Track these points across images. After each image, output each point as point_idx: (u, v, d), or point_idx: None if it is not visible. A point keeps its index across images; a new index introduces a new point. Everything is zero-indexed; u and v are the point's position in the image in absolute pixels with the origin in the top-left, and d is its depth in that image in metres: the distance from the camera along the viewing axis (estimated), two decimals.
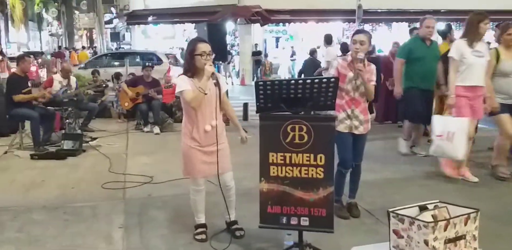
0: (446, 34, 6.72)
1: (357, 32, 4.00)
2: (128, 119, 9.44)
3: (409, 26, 20.38)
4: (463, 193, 4.80)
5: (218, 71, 12.66)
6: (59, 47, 30.89)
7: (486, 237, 3.38)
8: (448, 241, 2.33)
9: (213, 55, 3.47)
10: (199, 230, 3.71)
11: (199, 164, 3.51)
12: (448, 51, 6.08)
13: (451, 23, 8.45)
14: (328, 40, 10.10)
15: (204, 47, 3.40)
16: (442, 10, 19.37)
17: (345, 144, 3.85)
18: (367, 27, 21.10)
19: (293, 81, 2.97)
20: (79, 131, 7.36)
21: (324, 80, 2.96)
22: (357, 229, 3.93)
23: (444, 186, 5.10)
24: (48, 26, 48.13)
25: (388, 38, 19.12)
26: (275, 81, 3.03)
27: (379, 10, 19.17)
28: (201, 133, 3.46)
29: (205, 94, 3.34)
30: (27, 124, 6.96)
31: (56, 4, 40.52)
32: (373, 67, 3.96)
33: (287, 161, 3.06)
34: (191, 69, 3.45)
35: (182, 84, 3.42)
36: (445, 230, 2.31)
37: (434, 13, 19.44)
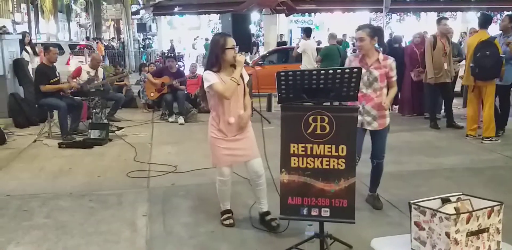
0: (487, 24, 6.55)
1: (357, 28, 3.90)
2: (153, 110, 9.54)
3: (437, 16, 19.99)
4: (489, 186, 4.72)
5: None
6: (87, 38, 31.28)
7: (510, 229, 3.35)
8: (471, 233, 2.30)
9: (237, 47, 3.57)
10: (226, 215, 3.81)
11: (223, 152, 3.59)
12: (488, 38, 6.03)
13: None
14: (307, 33, 10.14)
15: (232, 41, 3.51)
16: (472, 0, 18.92)
17: None
18: (394, 17, 20.79)
19: (315, 72, 2.95)
20: (105, 121, 7.49)
21: (347, 70, 2.93)
22: (379, 221, 3.90)
23: (471, 178, 5.02)
24: (76, 17, 48.79)
25: (416, 28, 18.78)
26: (297, 71, 3.02)
27: (407, 0, 18.82)
28: (227, 124, 3.56)
29: (238, 84, 3.45)
30: (56, 114, 7.10)
31: None
32: (390, 61, 3.86)
33: (308, 152, 3.05)
34: (220, 63, 3.50)
35: (210, 78, 3.46)
36: (467, 222, 2.28)
37: (464, 3, 19.14)
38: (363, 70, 3.77)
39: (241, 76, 3.54)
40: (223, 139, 3.60)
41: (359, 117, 3.85)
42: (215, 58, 3.51)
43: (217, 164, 3.69)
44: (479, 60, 6.15)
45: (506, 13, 17.83)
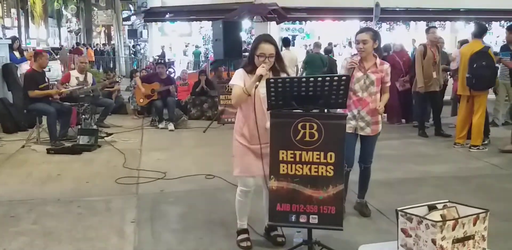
0: (482, 34, 6.64)
1: (359, 31, 3.90)
2: (143, 116, 9.53)
3: (427, 25, 20.19)
4: (476, 194, 4.77)
5: (234, 69, 12.72)
6: (77, 43, 31.20)
7: (498, 237, 3.39)
8: (456, 241, 2.33)
9: (272, 60, 3.27)
10: (243, 236, 3.54)
11: (247, 161, 3.35)
12: (482, 48, 6.09)
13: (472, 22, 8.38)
14: (286, 43, 10.35)
15: (266, 48, 3.23)
16: (461, 9, 19.14)
17: (347, 143, 3.70)
18: (384, 26, 20.96)
19: (304, 79, 2.98)
20: (95, 127, 7.46)
21: (336, 78, 2.96)
22: (367, 228, 3.93)
23: (458, 186, 5.07)
24: (67, 22, 48.65)
25: (406, 37, 18.94)
26: (287, 78, 3.04)
27: (397, 9, 18.99)
28: (251, 131, 3.32)
29: (249, 95, 3.22)
30: (44, 119, 7.06)
31: (75, 1, 40.92)
32: (386, 66, 3.91)
33: (297, 159, 3.06)
34: (250, 65, 3.34)
35: (236, 78, 3.34)
36: (453, 229, 2.31)
37: (454, 12, 19.33)
38: (360, 74, 3.81)
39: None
40: (248, 146, 3.35)
41: (353, 123, 3.90)
42: (250, 59, 3.36)
43: (241, 173, 3.41)
44: (476, 71, 6.19)
45: (494, 23, 18.07)
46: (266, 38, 3.32)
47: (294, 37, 23.40)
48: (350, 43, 20.22)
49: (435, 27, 8.55)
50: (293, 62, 10.04)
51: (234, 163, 3.45)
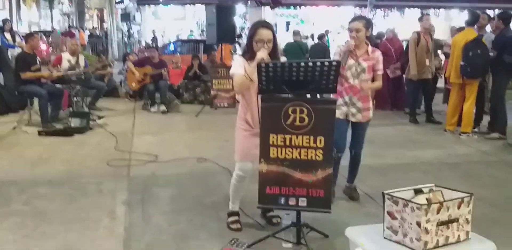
0: (474, 22, 6.65)
1: (352, 19, 3.93)
2: (135, 99, 9.50)
3: (421, 12, 20.15)
4: (467, 180, 4.83)
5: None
6: (69, 26, 30.82)
7: (484, 222, 3.46)
8: (441, 223, 2.38)
9: (271, 45, 3.28)
10: (233, 218, 3.60)
11: (248, 146, 3.38)
12: (477, 37, 6.15)
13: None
14: None
15: (265, 34, 3.25)
16: None
17: (338, 129, 3.71)
18: (379, 12, 20.92)
19: (295, 64, 2.98)
20: (86, 109, 7.45)
21: (326, 63, 2.97)
22: (356, 211, 3.98)
23: (447, 172, 5.13)
24: (59, 4, 47.98)
25: (400, 24, 18.90)
26: (277, 63, 3.05)
27: None
28: (254, 117, 3.34)
29: (251, 80, 3.22)
30: (36, 101, 7.04)
31: None
32: (377, 54, 3.93)
33: (287, 143, 3.09)
34: (249, 52, 3.34)
35: (236, 66, 3.32)
36: (438, 212, 2.36)
37: (448, 0, 19.32)
38: (352, 61, 3.83)
39: None
40: (249, 131, 3.40)
41: (345, 109, 3.93)
42: (247, 46, 3.37)
43: (241, 158, 3.46)
44: (472, 59, 6.20)
45: (488, 11, 18.08)
46: (264, 24, 3.34)
47: (288, 23, 23.31)
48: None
49: (428, 14, 8.56)
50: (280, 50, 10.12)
51: (235, 148, 3.49)
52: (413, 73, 7.35)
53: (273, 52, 3.32)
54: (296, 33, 11.38)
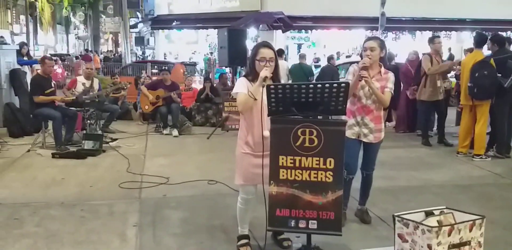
0: (482, 44, 6.69)
1: (368, 39, 3.98)
2: (148, 122, 9.59)
3: (432, 34, 20.23)
4: (479, 202, 4.78)
5: (239, 76, 12.86)
6: (86, 50, 31.50)
7: (497, 245, 3.42)
8: (452, 246, 2.36)
9: (273, 64, 3.35)
10: (243, 241, 3.57)
11: (251, 170, 3.37)
12: (484, 58, 6.16)
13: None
14: (279, 53, 10.61)
15: (266, 53, 3.33)
16: (467, 19, 19.19)
17: (350, 150, 3.78)
18: (390, 35, 21.03)
19: (304, 86, 3.02)
20: (99, 132, 7.53)
21: (335, 85, 3.00)
22: (367, 234, 3.94)
23: (460, 195, 5.07)
24: (75, 29, 49.10)
25: (412, 47, 18.98)
26: (287, 85, 3.09)
27: (403, 18, 19.08)
28: (255, 138, 3.35)
29: (255, 99, 3.24)
30: (50, 124, 7.14)
31: (83, 8, 41.34)
32: (390, 75, 3.94)
33: (297, 164, 3.10)
34: (252, 73, 3.39)
35: (239, 86, 3.37)
36: (449, 235, 2.34)
37: (459, 22, 19.40)
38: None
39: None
40: (252, 154, 3.38)
41: (356, 129, 3.93)
42: (249, 67, 3.43)
43: (244, 182, 3.45)
44: (478, 80, 6.21)
45: (498, 33, 18.13)
46: (265, 44, 3.44)
47: (300, 45, 23.52)
48: (360, 55, 20.32)
49: (438, 36, 8.59)
50: (285, 71, 10.57)
51: (236, 171, 3.48)
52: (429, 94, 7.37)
53: (275, 72, 3.38)
54: (302, 56, 11.85)
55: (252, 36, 19.83)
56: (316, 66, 20.32)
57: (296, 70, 11.00)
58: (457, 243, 2.36)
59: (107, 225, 4.08)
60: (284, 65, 10.69)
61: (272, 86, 3.03)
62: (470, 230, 2.41)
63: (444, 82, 7.70)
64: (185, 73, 13.64)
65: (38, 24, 37.65)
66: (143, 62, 17.27)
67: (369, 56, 3.80)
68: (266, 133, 3.28)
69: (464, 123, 6.75)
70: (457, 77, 8.32)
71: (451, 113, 8.16)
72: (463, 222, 2.42)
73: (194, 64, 18.83)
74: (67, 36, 47.11)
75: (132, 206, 4.60)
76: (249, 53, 3.52)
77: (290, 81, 10.47)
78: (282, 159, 3.10)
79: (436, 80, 7.38)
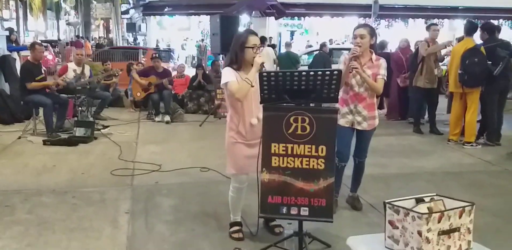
0: (472, 32, 6.70)
1: (357, 26, 3.95)
2: (140, 109, 9.55)
3: (425, 22, 20.18)
4: (469, 190, 4.82)
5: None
6: (77, 36, 31.13)
7: (486, 232, 3.46)
8: (442, 232, 2.37)
9: (262, 48, 3.48)
10: (236, 228, 3.61)
11: (243, 159, 3.39)
12: (475, 46, 6.20)
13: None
14: (262, 40, 10.73)
15: (255, 40, 3.35)
16: (460, 7, 19.17)
17: (343, 138, 3.82)
18: (383, 22, 21.00)
19: (296, 73, 3.01)
20: (91, 119, 7.49)
21: (328, 72, 2.99)
22: (358, 221, 3.98)
23: (450, 182, 5.12)
24: (65, 15, 48.50)
25: (404, 34, 18.93)
26: (279, 72, 3.07)
27: (396, 6, 19.05)
28: (247, 126, 3.36)
29: (252, 86, 3.25)
30: (41, 111, 7.09)
31: None
32: (382, 61, 3.92)
33: (289, 152, 3.10)
34: (239, 62, 3.35)
35: (228, 75, 3.31)
36: (439, 222, 2.35)
37: (452, 10, 19.39)
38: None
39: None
40: (243, 143, 3.39)
41: (350, 117, 3.93)
42: (234, 55, 3.36)
43: (236, 172, 3.45)
44: (468, 68, 6.24)
45: (492, 21, 18.17)
46: (252, 31, 3.49)
47: (292, 32, 23.44)
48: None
49: (436, 24, 8.56)
50: (270, 56, 10.73)
51: (228, 161, 3.48)
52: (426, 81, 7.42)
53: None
54: (288, 44, 12.25)
55: (245, 22, 19.72)
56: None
57: (283, 59, 11.22)
58: (446, 230, 2.38)
59: (99, 212, 4.08)
60: (269, 51, 10.84)
61: (264, 74, 3.02)
62: (460, 217, 2.42)
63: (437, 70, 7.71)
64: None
65: (28, 10, 37.10)
66: (115, 49, 17.28)
67: (359, 43, 3.79)
68: (254, 121, 3.32)
69: (454, 111, 6.79)
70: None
71: (443, 101, 8.19)
72: (453, 208, 2.43)
73: (169, 50, 18.73)
74: (57, 22, 46.52)
75: (124, 193, 4.60)
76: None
77: (278, 68, 10.55)
78: (275, 146, 3.10)
79: (433, 68, 7.39)
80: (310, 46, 20.35)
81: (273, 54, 11.09)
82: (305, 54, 14.55)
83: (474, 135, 6.65)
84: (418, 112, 7.87)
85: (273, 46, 19.35)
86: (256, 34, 3.44)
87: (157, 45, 23.57)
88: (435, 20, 19.20)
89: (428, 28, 7.71)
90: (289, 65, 10.89)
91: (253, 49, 3.31)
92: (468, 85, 6.37)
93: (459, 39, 8.02)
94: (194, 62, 21.54)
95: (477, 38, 6.83)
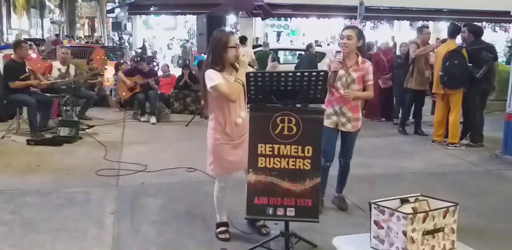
0: (455, 34, 6.79)
1: (346, 27, 3.99)
2: (125, 109, 9.49)
3: (410, 24, 20.43)
4: (453, 190, 4.87)
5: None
6: (57, 35, 30.76)
7: (470, 232, 3.50)
8: (427, 232, 2.40)
9: (241, 48, 3.47)
10: (222, 228, 3.61)
11: (228, 159, 3.40)
12: (456, 48, 6.24)
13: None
14: (242, 41, 10.80)
15: (236, 39, 3.38)
16: (444, 10, 19.37)
17: (327, 138, 3.82)
18: (368, 24, 21.14)
19: (283, 74, 3.02)
20: (76, 118, 7.43)
21: (314, 73, 3.01)
22: (344, 221, 4.00)
23: (434, 182, 5.18)
24: (50, 13, 47.95)
25: (389, 36, 19.11)
26: (266, 73, 3.09)
27: (381, 8, 19.17)
28: (233, 126, 3.36)
29: (243, 86, 3.22)
30: (25, 110, 7.01)
31: None
32: (367, 64, 3.95)
33: (275, 152, 3.11)
34: (222, 62, 3.31)
35: (215, 78, 3.25)
36: (423, 222, 2.38)
37: (437, 12, 19.58)
38: (342, 72, 3.87)
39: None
40: (227, 144, 3.39)
41: (335, 118, 3.96)
42: (218, 56, 3.30)
43: (222, 172, 3.46)
44: (448, 69, 6.33)
45: (475, 24, 18.42)
46: (231, 32, 3.56)
47: (279, 33, 23.49)
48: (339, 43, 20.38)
49: (427, 27, 8.64)
50: (249, 54, 10.65)
51: (212, 162, 3.45)
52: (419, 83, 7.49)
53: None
54: (266, 44, 13.02)
55: (232, 23, 19.71)
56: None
57: (261, 57, 11.33)
58: (431, 230, 2.41)
59: (84, 213, 4.06)
60: (248, 50, 10.85)
61: (251, 74, 3.03)
62: (444, 217, 2.46)
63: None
64: (104, 57, 13.66)
65: (11, 8, 36.60)
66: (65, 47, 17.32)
67: (346, 44, 3.82)
68: (239, 120, 3.34)
69: (437, 112, 6.87)
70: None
71: (427, 102, 8.27)
72: (437, 209, 2.46)
73: (121, 49, 18.71)
74: (41, 21, 45.99)
75: (110, 193, 4.57)
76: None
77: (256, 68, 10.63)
78: (261, 147, 3.11)
79: (424, 70, 7.46)
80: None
81: (252, 55, 11.14)
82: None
83: (458, 136, 6.73)
84: (405, 113, 7.93)
85: (259, 46, 19.44)
86: (233, 34, 3.51)
87: (142, 45, 23.43)
88: (420, 22, 19.39)
89: (419, 30, 7.79)
90: (265, 64, 11.07)
91: (235, 49, 3.32)
92: (448, 86, 6.46)
93: (442, 41, 8.12)
94: (180, 62, 21.45)
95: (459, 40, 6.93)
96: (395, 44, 15.30)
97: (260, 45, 19.28)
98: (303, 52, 12.12)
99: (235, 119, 3.35)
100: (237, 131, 3.39)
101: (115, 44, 25.89)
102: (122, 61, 12.29)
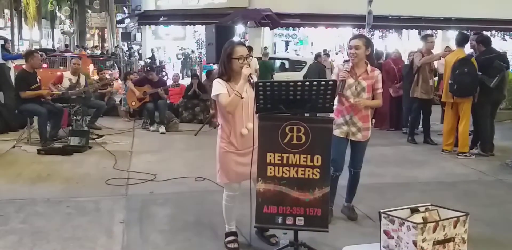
0: (464, 42, 6.78)
1: (353, 37, 3.99)
2: (135, 119, 9.55)
3: (419, 33, 20.36)
4: (463, 200, 4.84)
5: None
6: (66, 45, 31.09)
7: (480, 242, 3.47)
8: (437, 242, 2.39)
9: (251, 58, 3.43)
10: (231, 238, 3.59)
11: (235, 167, 3.41)
12: (465, 56, 6.24)
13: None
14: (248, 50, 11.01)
15: (242, 50, 3.35)
16: (453, 18, 19.35)
17: (337, 147, 3.84)
18: (377, 33, 21.14)
19: (292, 83, 3.03)
20: (86, 128, 7.48)
21: (323, 82, 3.02)
22: (353, 231, 3.98)
23: (444, 192, 5.14)
24: (60, 24, 48.51)
25: (398, 45, 19.08)
26: (275, 82, 3.10)
27: (389, 17, 19.18)
28: (238, 136, 3.37)
29: (242, 98, 3.27)
30: (35, 120, 7.07)
31: (69, 2, 40.86)
32: (377, 73, 3.96)
33: (285, 161, 3.11)
34: (228, 73, 3.36)
35: (219, 87, 3.31)
36: (434, 231, 2.38)
37: (445, 21, 19.56)
38: (352, 80, 3.87)
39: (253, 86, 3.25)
40: (235, 152, 3.40)
41: (345, 128, 3.96)
42: (223, 67, 3.37)
43: (228, 181, 3.47)
44: (458, 78, 6.32)
45: (484, 32, 18.36)
46: (239, 42, 3.52)
47: (287, 43, 23.52)
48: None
49: (431, 35, 8.63)
50: (252, 65, 10.69)
51: (220, 171, 3.48)
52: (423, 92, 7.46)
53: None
54: (265, 54, 13.08)
55: (240, 33, 19.81)
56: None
57: (260, 67, 11.55)
58: (441, 240, 2.40)
59: (94, 222, 4.07)
60: (253, 62, 10.98)
61: (260, 84, 3.04)
62: (455, 227, 2.45)
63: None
64: (88, 67, 13.97)
65: (23, 19, 37.10)
66: (53, 56, 18.12)
67: (354, 54, 3.83)
68: (245, 131, 3.34)
69: (447, 121, 6.84)
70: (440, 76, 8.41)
71: (436, 111, 8.24)
72: (448, 218, 2.46)
73: (110, 58, 18.88)
74: (52, 31, 46.53)
75: (119, 202, 4.59)
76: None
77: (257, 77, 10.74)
78: (270, 156, 3.12)
79: (429, 79, 7.45)
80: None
81: (256, 65, 11.21)
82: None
83: (468, 145, 6.69)
84: (414, 122, 7.90)
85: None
86: (244, 44, 3.47)
87: (152, 55, 23.59)
88: (429, 31, 19.36)
89: (424, 39, 7.76)
90: (266, 73, 11.73)
91: (239, 60, 3.32)
92: (457, 95, 6.44)
93: (449, 50, 8.10)
94: (186, 71, 21.57)
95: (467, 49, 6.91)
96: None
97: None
98: (308, 62, 12.26)
99: (240, 130, 3.36)
100: (242, 141, 3.38)
101: (125, 54, 26.09)
102: (130, 70, 12.38)
